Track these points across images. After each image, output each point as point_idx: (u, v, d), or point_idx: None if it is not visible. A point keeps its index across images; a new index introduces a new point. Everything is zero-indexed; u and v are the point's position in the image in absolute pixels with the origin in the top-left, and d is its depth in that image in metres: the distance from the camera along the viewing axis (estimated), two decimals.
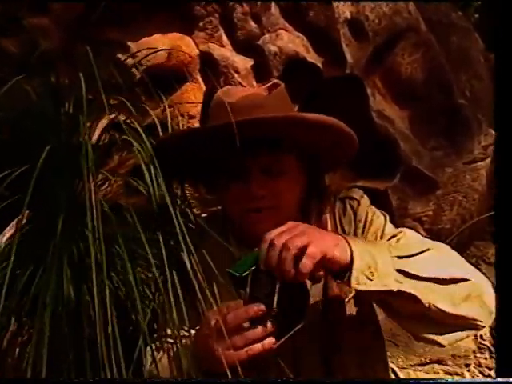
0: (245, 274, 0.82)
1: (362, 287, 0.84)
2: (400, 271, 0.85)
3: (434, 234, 2.05)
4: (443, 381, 0.78)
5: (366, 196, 1.08)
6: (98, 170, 1.08)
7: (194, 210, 1.58)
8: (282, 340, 0.83)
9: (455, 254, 0.95)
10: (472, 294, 0.88)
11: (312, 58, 1.86)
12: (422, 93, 2.07)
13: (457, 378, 0.81)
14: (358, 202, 1.06)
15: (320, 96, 1.88)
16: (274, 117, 0.94)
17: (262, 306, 0.82)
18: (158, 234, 0.89)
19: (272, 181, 0.99)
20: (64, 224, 0.96)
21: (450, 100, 2.09)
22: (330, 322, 0.95)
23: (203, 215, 1.47)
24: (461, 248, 2.12)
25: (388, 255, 0.87)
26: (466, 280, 0.89)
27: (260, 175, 0.98)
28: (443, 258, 0.92)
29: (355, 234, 1.04)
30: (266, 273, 0.82)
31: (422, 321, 0.88)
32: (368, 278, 0.83)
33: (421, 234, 1.97)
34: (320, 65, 1.87)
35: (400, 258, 0.87)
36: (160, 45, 1.64)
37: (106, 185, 1.17)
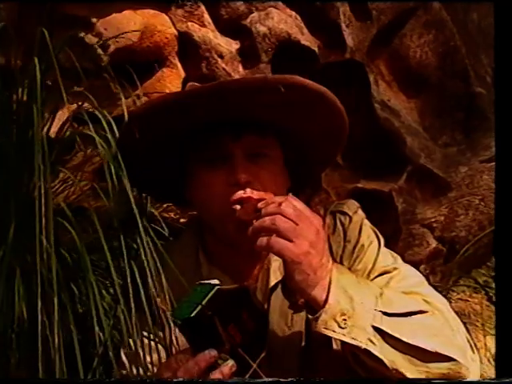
0: (193, 313, 0.83)
1: (328, 333, 0.86)
2: (377, 330, 0.86)
3: (447, 243, 2.05)
4: (442, 381, 0.80)
5: (360, 211, 1.07)
6: (57, 168, 1.06)
7: (172, 215, 1.57)
8: (248, 375, 0.84)
9: (454, 320, 0.95)
10: (451, 373, 0.89)
11: (307, 40, 1.86)
12: (433, 80, 2.07)
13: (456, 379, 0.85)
14: (350, 219, 1.05)
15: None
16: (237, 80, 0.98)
17: (213, 352, 0.82)
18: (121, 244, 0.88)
19: (257, 168, 1.00)
20: (16, 231, 0.95)
21: (466, 88, 2.09)
22: (312, 366, 0.96)
23: (182, 220, 1.46)
24: (478, 259, 2.12)
25: (372, 306, 0.87)
26: (452, 360, 0.89)
27: (244, 160, 0.99)
28: (437, 327, 0.91)
29: (341, 258, 1.03)
30: (208, 313, 0.83)
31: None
32: (339, 326, 0.85)
33: (430, 242, 2.00)
34: (316, 48, 1.87)
35: (386, 314, 0.88)
36: (131, 23, 1.63)
37: (69, 185, 1.15)
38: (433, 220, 2.05)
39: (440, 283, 1.93)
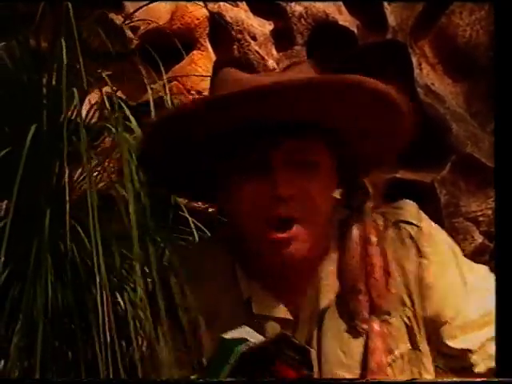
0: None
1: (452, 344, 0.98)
2: None
3: (494, 238, 2.05)
4: (442, 381, 0.83)
5: (422, 214, 1.04)
6: (90, 154, 1.11)
7: (200, 204, 1.60)
8: None
9: None
10: None
11: (345, 20, 1.86)
12: (482, 62, 2.03)
13: (455, 379, 0.87)
14: (418, 229, 1.01)
15: (354, 67, 1.89)
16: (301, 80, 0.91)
17: None
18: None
19: (303, 179, 0.94)
20: (51, 218, 0.99)
21: None
22: None
23: (210, 209, 1.49)
24: None
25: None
26: None
27: (286, 169, 0.93)
28: None
29: (421, 276, 1.00)
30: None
31: None
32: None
33: (476, 237, 2.00)
34: (355, 29, 1.87)
35: None
36: (161, 4, 1.67)
37: (97, 172, 1.20)
38: (479, 214, 2.04)
39: None
